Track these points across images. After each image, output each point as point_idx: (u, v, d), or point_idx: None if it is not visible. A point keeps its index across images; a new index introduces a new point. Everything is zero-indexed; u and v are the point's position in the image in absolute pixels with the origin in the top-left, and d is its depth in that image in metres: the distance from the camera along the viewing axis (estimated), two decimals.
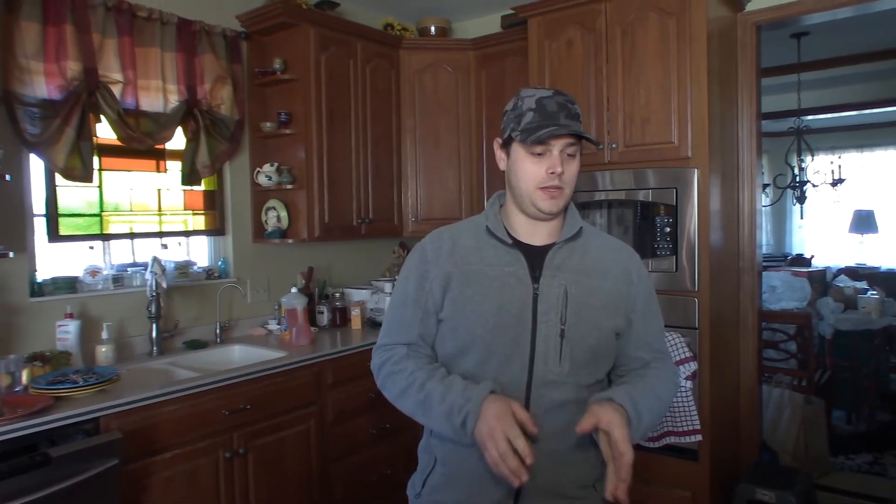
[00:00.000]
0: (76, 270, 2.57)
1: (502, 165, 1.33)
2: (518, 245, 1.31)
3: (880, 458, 3.78)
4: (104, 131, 2.55)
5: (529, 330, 1.24)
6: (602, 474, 1.33)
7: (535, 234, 1.31)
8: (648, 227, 2.64)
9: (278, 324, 3.07)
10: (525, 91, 1.28)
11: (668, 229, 2.58)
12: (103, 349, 2.44)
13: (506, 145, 1.30)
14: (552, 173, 1.22)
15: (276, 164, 3.03)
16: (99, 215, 2.67)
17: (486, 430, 1.11)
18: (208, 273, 3.01)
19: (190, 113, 2.76)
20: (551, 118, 1.22)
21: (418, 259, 1.35)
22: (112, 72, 2.47)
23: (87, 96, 2.39)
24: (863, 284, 4.93)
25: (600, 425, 1.14)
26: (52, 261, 2.54)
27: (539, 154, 1.23)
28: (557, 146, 1.22)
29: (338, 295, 3.29)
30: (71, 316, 2.39)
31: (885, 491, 3.35)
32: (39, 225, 2.47)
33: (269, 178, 3.02)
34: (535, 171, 1.24)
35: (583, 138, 1.24)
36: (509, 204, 1.34)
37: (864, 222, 7.02)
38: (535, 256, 1.29)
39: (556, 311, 1.24)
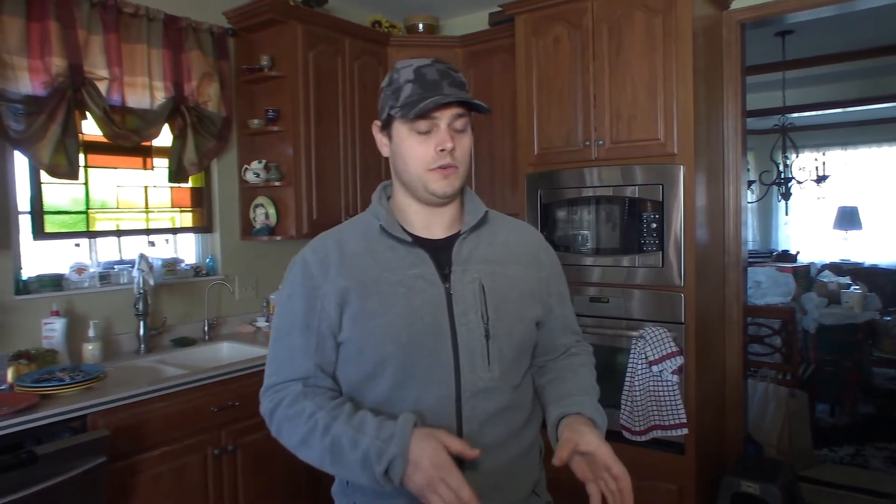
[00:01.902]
0: (62, 268, 2.56)
1: (385, 151, 1.16)
2: (418, 241, 1.14)
3: (862, 450, 3.84)
4: (90, 128, 2.53)
5: (449, 337, 1.08)
6: (542, 477, 1.24)
7: (434, 225, 1.16)
8: (635, 223, 2.66)
9: (266, 321, 3.07)
10: (401, 62, 1.11)
11: (654, 225, 2.60)
12: (90, 347, 2.43)
13: (385, 127, 1.13)
14: (442, 150, 1.07)
15: (263, 161, 3.02)
16: (85, 213, 2.65)
17: (422, 481, 0.94)
18: (196, 270, 3.00)
19: (177, 110, 2.75)
20: (433, 88, 1.06)
21: (302, 275, 1.13)
22: (98, 68, 2.46)
23: (73, 93, 2.37)
24: (846, 280, 5.00)
25: (580, 449, 1.02)
26: (38, 258, 2.52)
27: (425, 132, 1.08)
28: (444, 119, 1.07)
29: None
30: (57, 314, 2.38)
31: (867, 482, 3.41)
32: (24, 222, 2.45)
33: (257, 175, 3.01)
34: (422, 152, 1.08)
35: (472, 107, 1.10)
36: (399, 194, 1.18)
37: (848, 219, 7.11)
38: (439, 252, 1.13)
39: (476, 309, 1.10)
